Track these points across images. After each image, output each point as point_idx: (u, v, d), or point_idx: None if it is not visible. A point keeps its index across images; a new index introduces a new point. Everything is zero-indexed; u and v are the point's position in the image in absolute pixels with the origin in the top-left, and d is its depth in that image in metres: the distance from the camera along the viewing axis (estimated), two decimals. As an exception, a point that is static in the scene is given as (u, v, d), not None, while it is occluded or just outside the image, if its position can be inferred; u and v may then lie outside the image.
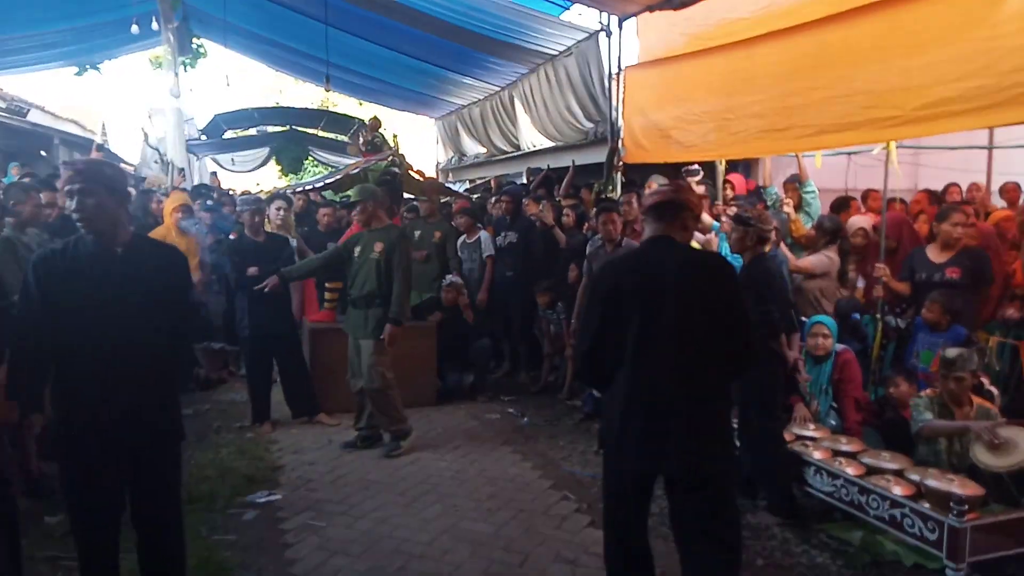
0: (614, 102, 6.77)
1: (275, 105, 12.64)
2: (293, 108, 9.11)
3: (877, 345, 4.90)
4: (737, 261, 4.83)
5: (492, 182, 9.69)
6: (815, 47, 4.45)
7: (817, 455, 4.10)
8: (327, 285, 6.32)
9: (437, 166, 13.19)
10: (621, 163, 6.69)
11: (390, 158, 6.01)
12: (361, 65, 9.90)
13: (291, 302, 6.14)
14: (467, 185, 11.87)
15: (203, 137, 13.59)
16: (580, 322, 3.40)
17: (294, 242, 6.24)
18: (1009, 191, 7.35)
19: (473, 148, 11.48)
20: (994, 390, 4.37)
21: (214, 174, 13.04)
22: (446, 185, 8.90)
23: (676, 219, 2.77)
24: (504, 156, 10.22)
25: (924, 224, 5.80)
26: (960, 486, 3.42)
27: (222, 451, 5.10)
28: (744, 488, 4.39)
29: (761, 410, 4.14)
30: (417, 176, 7.03)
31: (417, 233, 7.72)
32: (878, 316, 4.92)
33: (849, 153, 6.71)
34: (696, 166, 5.92)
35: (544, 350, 6.98)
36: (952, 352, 4.06)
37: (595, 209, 6.08)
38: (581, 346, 2.88)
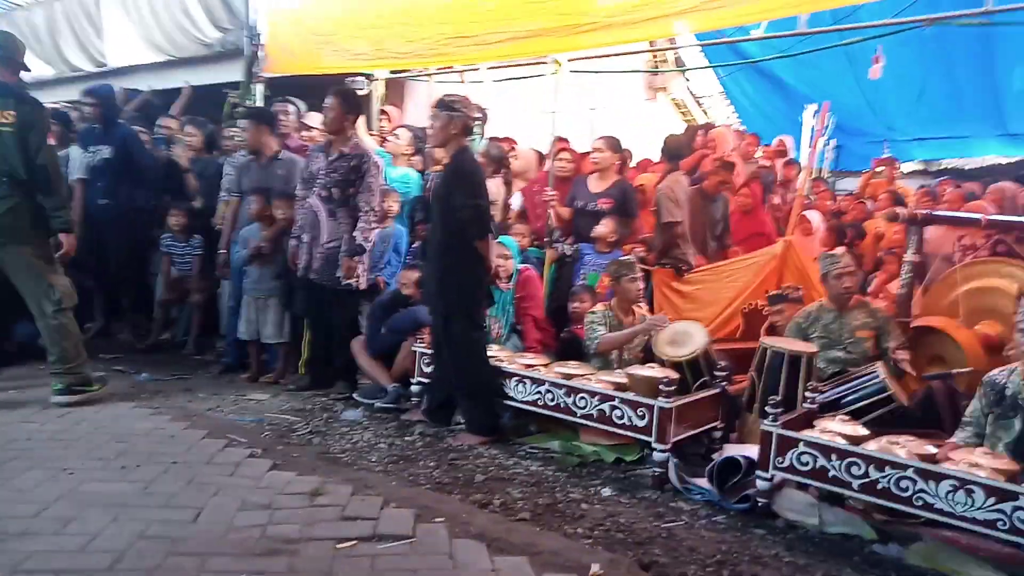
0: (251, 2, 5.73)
1: None
2: None
3: (548, 268, 4.96)
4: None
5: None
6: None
7: (513, 367, 3.91)
8: None
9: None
10: (263, 74, 5.69)
11: None
12: None
13: None
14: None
15: None
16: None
17: None
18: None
19: (34, 67, 8.86)
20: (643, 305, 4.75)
21: None
22: None
23: None
24: (83, 75, 8.06)
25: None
26: (660, 372, 3.54)
27: None
28: (436, 414, 3.98)
29: (464, 320, 3.76)
30: None
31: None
32: (546, 240, 4.99)
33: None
34: (362, 78, 5.31)
35: (158, 296, 5.55)
36: (623, 258, 4.32)
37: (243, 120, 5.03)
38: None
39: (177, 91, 6.89)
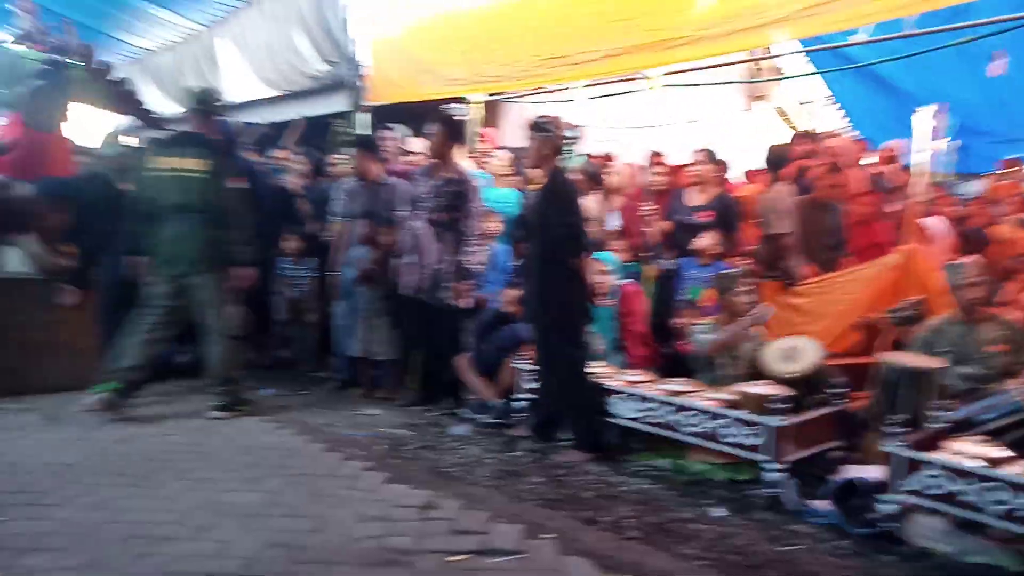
0: (352, 34, 6.00)
1: None
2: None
3: (648, 284, 4.92)
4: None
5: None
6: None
7: (616, 384, 3.89)
8: None
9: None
10: (367, 103, 5.95)
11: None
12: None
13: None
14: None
15: None
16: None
17: None
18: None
19: (163, 105, 9.65)
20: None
21: None
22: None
23: None
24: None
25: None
26: (772, 389, 3.43)
27: None
28: (541, 430, 4.00)
29: (564, 337, 3.78)
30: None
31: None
32: (646, 255, 4.95)
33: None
34: (461, 104, 5.46)
35: (276, 317, 5.87)
36: (729, 271, 4.22)
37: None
38: None
39: (289, 123, 7.33)
